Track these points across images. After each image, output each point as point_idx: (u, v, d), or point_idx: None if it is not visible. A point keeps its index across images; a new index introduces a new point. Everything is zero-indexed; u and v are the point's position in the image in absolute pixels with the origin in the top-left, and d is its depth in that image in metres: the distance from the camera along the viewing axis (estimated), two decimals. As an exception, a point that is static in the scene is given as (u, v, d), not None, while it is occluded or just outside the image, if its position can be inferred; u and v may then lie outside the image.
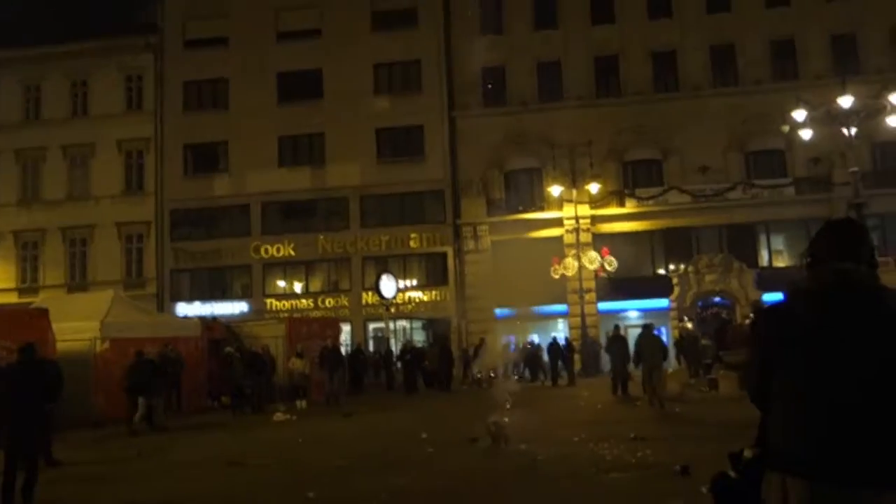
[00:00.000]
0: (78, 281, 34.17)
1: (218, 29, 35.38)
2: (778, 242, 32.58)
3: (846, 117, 21.95)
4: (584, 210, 31.05)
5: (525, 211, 32.51)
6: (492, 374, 24.02)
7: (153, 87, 35.24)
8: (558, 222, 31.69)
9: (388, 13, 34.82)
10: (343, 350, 25.42)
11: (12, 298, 32.37)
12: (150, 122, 35.01)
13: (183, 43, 35.53)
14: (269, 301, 33.98)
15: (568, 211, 30.87)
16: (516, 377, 26.29)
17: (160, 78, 35.26)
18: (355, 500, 7.83)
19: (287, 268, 34.74)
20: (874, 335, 2.51)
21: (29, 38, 34.59)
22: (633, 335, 22.33)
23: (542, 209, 32.18)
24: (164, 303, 33.46)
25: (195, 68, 35.07)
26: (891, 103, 21.41)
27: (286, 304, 33.87)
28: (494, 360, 26.34)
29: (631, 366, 19.06)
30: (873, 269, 2.70)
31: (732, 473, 2.75)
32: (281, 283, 34.82)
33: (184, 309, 33.28)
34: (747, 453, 2.76)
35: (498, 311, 32.30)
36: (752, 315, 8.69)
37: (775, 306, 2.84)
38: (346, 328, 30.89)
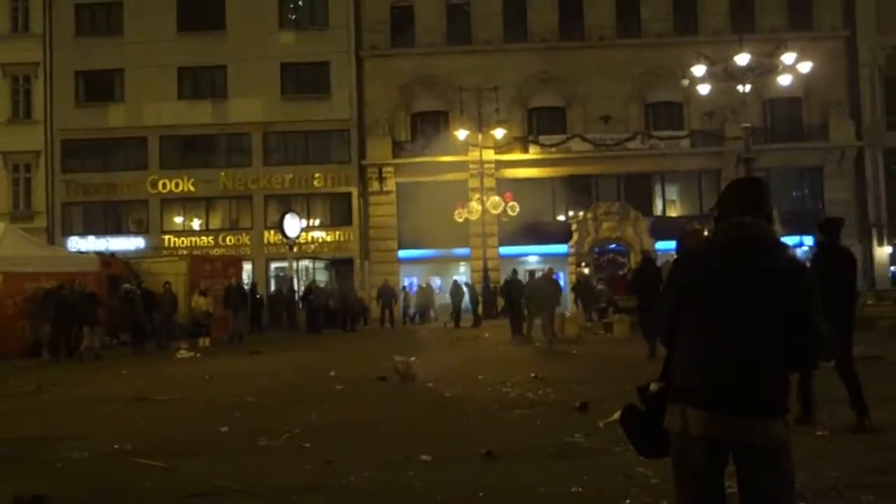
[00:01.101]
0: (-40, 212, 32.32)
1: (113, -52, 33.42)
2: (672, 193, 34.03)
3: (742, 74, 23.02)
4: (489, 155, 31.48)
5: (431, 154, 32.63)
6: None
7: (42, 7, 33.10)
8: (463, 166, 32.01)
9: (295, -57, 33.74)
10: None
11: None
12: (39, 47, 33.02)
13: (74, -38, 33.42)
14: (167, 237, 33.14)
15: (473, 155, 31.19)
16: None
17: (49, -1, 33.16)
18: (268, 433, 8.00)
19: (186, 204, 33.88)
20: (768, 284, 2.90)
21: None
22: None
23: (447, 153, 32.36)
24: (55, 237, 32.12)
25: (88, -10, 33.15)
26: (783, 63, 22.59)
27: (185, 240, 33.12)
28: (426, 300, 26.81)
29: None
30: (771, 223, 3.10)
31: (640, 406, 3.12)
32: (179, 220, 33.96)
33: (76, 243, 32.07)
34: (653, 387, 3.13)
35: (401, 253, 32.62)
36: (640, 262, 9.28)
37: (687, 254, 3.20)
38: (247, 267, 30.58)
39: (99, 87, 33.74)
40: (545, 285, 18.79)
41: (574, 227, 31.77)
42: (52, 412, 10.21)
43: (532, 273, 19.13)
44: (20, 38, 33.13)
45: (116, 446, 7.61)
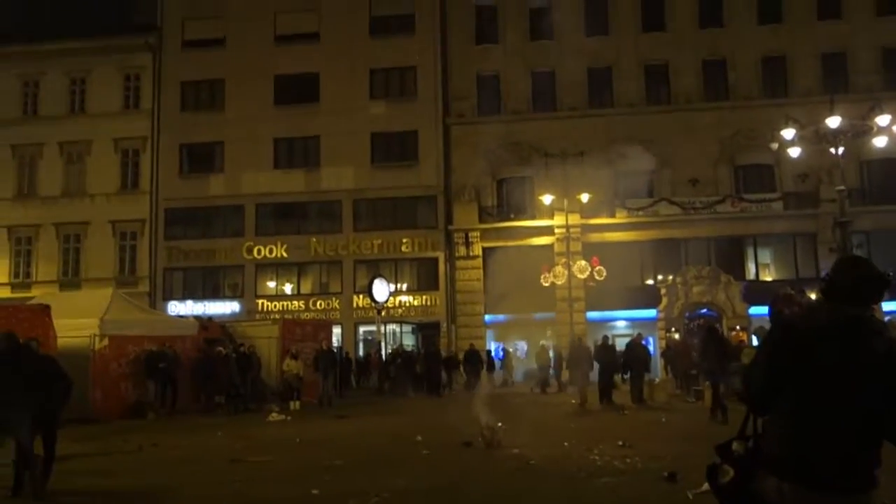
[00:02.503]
0: (71, 277, 34.40)
1: (216, 30, 35.69)
2: (765, 256, 33.13)
3: (834, 137, 22.50)
4: (575, 219, 31.46)
5: (516, 219, 32.95)
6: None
7: (151, 86, 35.48)
8: (549, 231, 32.13)
9: (385, 19, 35.24)
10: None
11: (5, 293, 32.57)
12: (147, 121, 35.25)
13: (181, 43, 35.83)
14: (260, 301, 34.24)
15: (559, 220, 31.27)
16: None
17: (158, 77, 35.53)
18: (357, 496, 8.16)
19: (279, 269, 35.02)
20: (883, 370, 2.96)
21: (29, 34, 34.86)
22: (620, 345, 22.79)
23: (533, 217, 32.60)
24: (156, 301, 33.66)
25: (193, 68, 35.36)
26: (877, 124, 21.97)
27: (277, 304, 34.13)
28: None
29: (618, 376, 19.58)
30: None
31: (726, 467, 3.16)
32: (272, 284, 35.08)
33: (175, 307, 33.52)
34: (737, 447, 3.17)
35: (487, 317, 32.69)
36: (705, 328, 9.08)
37: (801, 330, 3.17)
38: (336, 330, 31.24)
39: (201, 158, 35.60)
40: (635, 350, 18.50)
41: (663, 291, 31.24)
42: (151, 470, 10.65)
43: (637, 336, 19.18)
44: (131, 114, 35.45)
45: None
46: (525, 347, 31.45)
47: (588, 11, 34.27)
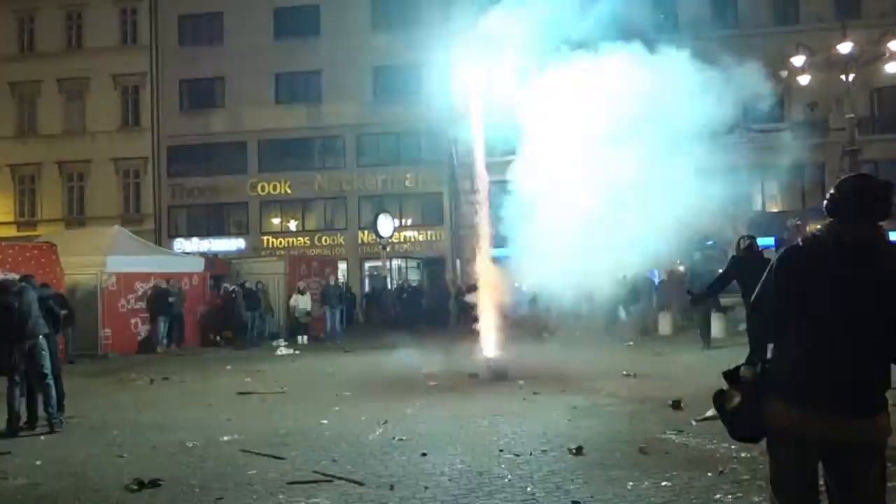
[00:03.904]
0: (76, 216, 34.41)
1: (213, -38, 34.81)
2: (772, 187, 32.87)
3: (845, 64, 22.13)
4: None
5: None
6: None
7: (148, 20, 34.80)
8: (554, 164, 31.82)
9: (387, -53, 34.29)
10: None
11: (11, 232, 32.60)
12: (146, 57, 34.70)
13: (178, -25, 34.99)
14: (265, 238, 34.26)
15: (564, 153, 30.92)
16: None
17: (155, 11, 34.81)
18: (365, 427, 8.29)
19: (283, 205, 34.93)
20: (888, 288, 2.91)
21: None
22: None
23: (538, 151, 32.26)
24: (161, 238, 33.66)
25: (190, 1, 34.63)
26: (890, 50, 21.56)
27: (282, 241, 34.15)
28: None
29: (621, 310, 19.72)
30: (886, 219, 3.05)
31: (733, 392, 3.16)
32: (277, 221, 35.06)
33: (181, 245, 33.57)
34: (745, 372, 3.17)
35: (494, 252, 32.66)
36: (744, 249, 9.04)
37: (802, 253, 3.12)
38: (341, 266, 31.33)
39: (201, 94, 35.16)
40: (638, 283, 18.54)
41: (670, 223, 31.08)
42: (165, 404, 10.82)
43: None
44: (129, 49, 34.86)
45: (225, 438, 8.05)
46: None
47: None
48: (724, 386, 3.22)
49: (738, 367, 3.21)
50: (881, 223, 3.03)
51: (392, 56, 33.52)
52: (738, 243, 9.81)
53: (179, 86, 34.94)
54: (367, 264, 33.70)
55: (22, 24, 35.53)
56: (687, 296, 23.30)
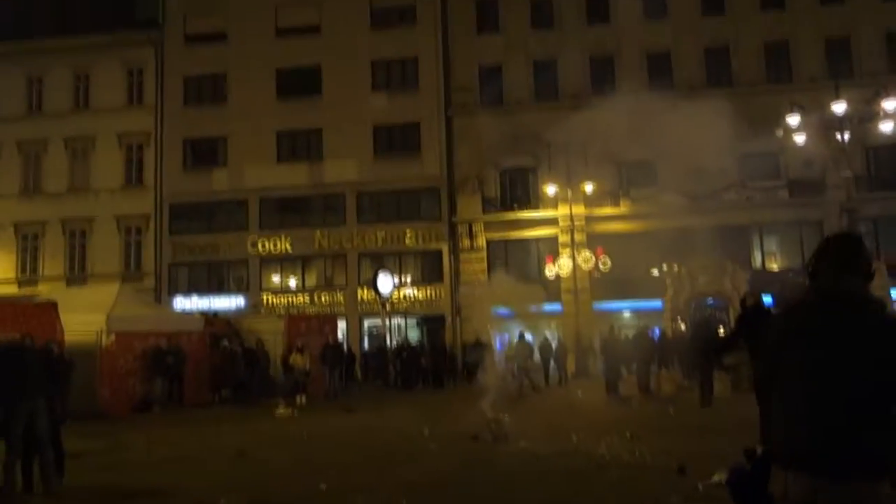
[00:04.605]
0: (77, 273, 34.46)
1: (218, 24, 35.60)
2: (771, 244, 33.02)
3: (839, 122, 22.38)
4: (579, 209, 31.39)
5: (520, 209, 32.88)
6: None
7: (154, 81, 35.41)
8: (553, 221, 32.05)
9: (386, 10, 35.11)
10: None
11: (12, 290, 32.65)
12: (151, 116, 35.21)
13: (183, 38, 35.73)
14: (265, 296, 34.23)
15: (563, 210, 31.20)
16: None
17: (161, 72, 35.46)
18: (366, 491, 8.16)
19: (283, 263, 34.99)
20: (860, 346, 2.88)
21: (33, 30, 34.91)
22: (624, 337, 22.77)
23: (537, 208, 32.53)
24: (162, 296, 33.68)
25: (195, 63, 35.31)
26: (884, 109, 21.83)
27: (282, 298, 34.13)
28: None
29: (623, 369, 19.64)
30: (868, 281, 3.06)
31: (748, 468, 3.14)
32: (277, 278, 35.07)
33: (181, 302, 33.58)
34: (759, 449, 3.15)
35: (492, 309, 32.62)
36: (751, 307, 9.03)
37: (780, 312, 3.18)
38: (341, 324, 31.25)
39: (204, 153, 35.55)
40: (640, 341, 18.53)
41: (668, 281, 31.16)
42: (160, 466, 10.67)
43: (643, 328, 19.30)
44: (134, 109, 35.41)
45: (223, 502, 7.92)
46: (532, 339, 31.41)
47: (588, 0, 34.11)
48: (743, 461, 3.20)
49: (755, 447, 3.19)
50: (864, 280, 3.04)
51: (391, 115, 34.07)
52: (744, 302, 9.78)
53: (183, 145, 35.37)
54: (367, 322, 33.63)
55: (31, 83, 36.14)
56: (688, 353, 23.28)
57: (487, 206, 33.37)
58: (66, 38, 34.87)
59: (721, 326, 28.35)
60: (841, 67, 31.13)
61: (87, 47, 35.13)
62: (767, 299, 24.17)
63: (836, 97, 21.95)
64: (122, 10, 35.93)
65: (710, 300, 31.36)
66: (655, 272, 32.19)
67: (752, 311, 9.35)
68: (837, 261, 3.05)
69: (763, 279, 28.85)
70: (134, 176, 35.48)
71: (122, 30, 35.45)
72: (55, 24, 35.08)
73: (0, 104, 36.01)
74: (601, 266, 29.96)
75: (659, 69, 33.69)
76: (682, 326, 28.00)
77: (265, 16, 35.24)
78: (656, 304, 31.16)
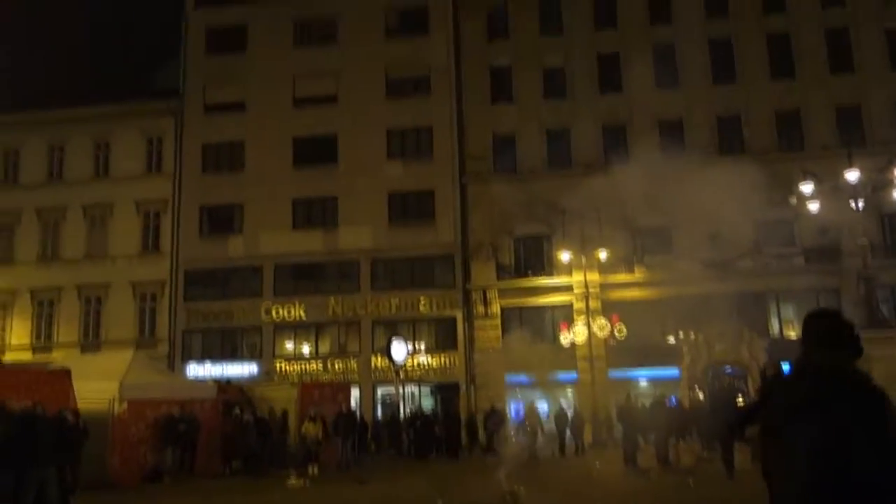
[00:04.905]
0: (91, 339, 34.49)
1: (237, 94, 36.39)
2: (788, 312, 32.67)
3: (853, 190, 22.40)
4: (594, 276, 31.32)
5: (534, 276, 32.85)
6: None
7: (173, 149, 36.05)
8: (568, 288, 31.96)
9: (402, 81, 35.81)
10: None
11: (26, 356, 32.71)
12: (169, 184, 35.71)
13: (203, 107, 36.51)
14: (278, 363, 34.07)
15: (577, 277, 31.14)
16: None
17: (180, 140, 36.13)
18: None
19: (297, 330, 34.92)
20: (838, 427, 2.77)
21: (55, 100, 35.78)
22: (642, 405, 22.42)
23: (551, 275, 32.49)
24: (175, 362, 33.61)
25: (214, 132, 35.99)
26: (897, 178, 21.85)
27: (295, 365, 33.96)
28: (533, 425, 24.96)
29: (641, 439, 19.26)
30: (854, 354, 3.01)
31: None
32: (290, 345, 34.95)
33: (195, 369, 33.49)
34: None
35: (507, 377, 32.35)
36: (770, 380, 8.85)
37: (767, 389, 3.18)
38: (354, 392, 30.99)
39: (221, 219, 35.89)
40: (657, 411, 18.21)
41: (685, 349, 30.84)
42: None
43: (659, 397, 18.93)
44: (153, 176, 35.97)
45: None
46: (547, 408, 31.02)
47: (601, 71, 34.70)
48: None
49: None
50: (848, 354, 3.01)
51: (406, 182, 34.44)
52: (764, 373, 9.62)
53: (200, 211, 35.76)
54: (380, 389, 33.33)
55: (52, 151, 36.84)
56: (708, 425, 22.85)
57: (502, 272, 33.36)
58: (87, 108, 35.72)
59: (740, 396, 27.93)
60: (853, 135, 31.31)
61: (108, 116, 35.95)
62: (786, 368, 23.84)
63: (850, 165, 22.04)
64: (143, 79, 36.89)
65: (727, 368, 30.95)
66: (672, 339, 31.90)
67: (773, 381, 9.18)
68: (818, 337, 3.05)
69: (781, 348, 28.49)
70: (151, 242, 35.81)
71: (143, 99, 36.32)
72: (77, 93, 36.00)
73: (21, 172, 36.80)
74: (616, 334, 29.73)
75: (671, 137, 33.97)
76: (700, 395, 27.56)
77: (283, 86, 36.02)
78: (673, 371, 30.80)
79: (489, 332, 32.83)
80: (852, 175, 21.71)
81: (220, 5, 37.60)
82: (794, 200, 24.34)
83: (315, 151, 35.31)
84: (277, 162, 35.18)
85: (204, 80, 36.63)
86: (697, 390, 28.34)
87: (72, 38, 40.13)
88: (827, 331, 3.05)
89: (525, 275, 33.15)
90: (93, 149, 36.51)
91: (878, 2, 33.63)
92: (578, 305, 31.10)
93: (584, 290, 30.68)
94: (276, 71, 36.01)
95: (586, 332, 29.59)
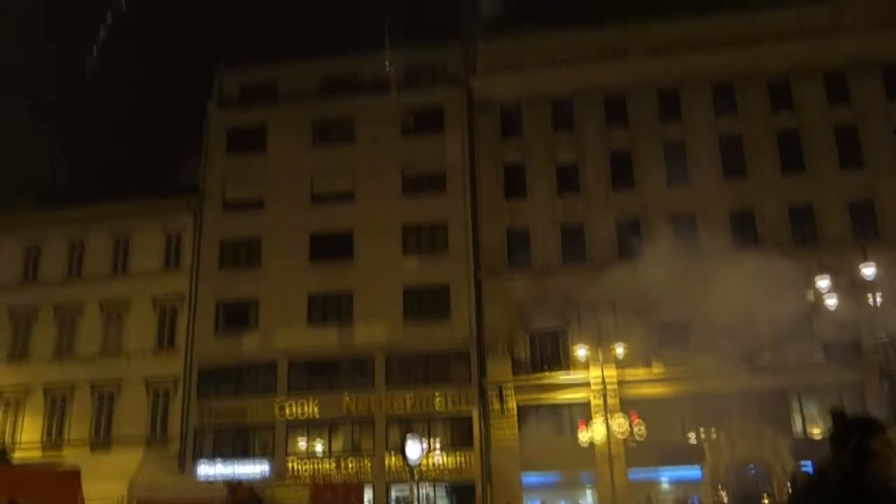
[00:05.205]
0: (102, 437, 34.04)
1: (255, 191, 37.13)
2: (811, 409, 31.96)
3: (870, 285, 22.28)
4: (611, 372, 30.89)
5: (551, 372, 32.47)
6: None
7: (191, 245, 36.51)
8: (585, 384, 31.53)
9: (417, 178, 36.47)
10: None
11: (36, 454, 32.30)
12: (186, 279, 35.98)
13: (222, 204, 37.18)
14: (290, 461, 33.41)
15: (594, 372, 30.74)
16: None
17: (198, 237, 36.63)
18: None
19: (310, 427, 34.38)
20: None
21: (77, 197, 36.62)
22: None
23: (567, 370, 32.11)
24: (186, 461, 33.02)
25: (231, 228, 36.55)
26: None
27: (307, 464, 33.28)
28: None
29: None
30: (861, 456, 2.98)
31: None
32: (303, 444, 34.35)
33: (206, 468, 32.85)
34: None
35: (524, 476, 31.58)
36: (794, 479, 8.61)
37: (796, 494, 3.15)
38: (367, 493, 30.29)
39: (236, 315, 35.91)
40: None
41: (707, 448, 30.06)
42: None
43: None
44: (171, 272, 36.29)
45: None
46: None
47: (613, 167, 35.21)
48: None
49: None
50: (855, 456, 2.98)
51: (421, 278, 34.59)
52: (794, 480, 9.32)
53: (216, 307, 35.88)
54: (395, 490, 32.51)
55: (72, 248, 37.33)
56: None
57: (518, 368, 33.02)
58: (109, 205, 36.46)
59: (765, 497, 27.10)
60: (867, 229, 31.45)
61: (128, 213, 36.66)
62: (809, 468, 23.15)
63: (864, 259, 22.00)
64: (163, 176, 37.79)
65: (751, 468, 30.08)
66: (693, 438, 31.18)
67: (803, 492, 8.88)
68: (831, 438, 3.19)
69: (804, 447, 27.77)
70: (166, 338, 35.81)
71: (164, 196, 37.11)
72: (99, 191, 36.86)
73: (41, 268, 37.24)
74: (636, 432, 29.09)
75: (685, 232, 34.11)
76: (725, 497, 26.73)
77: (301, 183, 36.74)
78: (695, 472, 29.98)
79: (505, 430, 32.23)
80: (868, 270, 21.63)
81: (242, 106, 38.84)
82: (811, 296, 24.21)
83: (331, 247, 35.67)
84: (294, 257, 35.53)
85: (224, 177, 37.45)
86: (721, 491, 27.50)
87: (94, 137, 41.44)
88: (835, 432, 3.14)
89: (541, 370, 32.79)
90: (112, 245, 37.01)
91: (884, 99, 34.24)
92: (596, 402, 30.56)
93: (601, 386, 30.19)
94: (294, 168, 36.82)
95: (604, 430, 28.98)
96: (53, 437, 34.68)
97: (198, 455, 33.94)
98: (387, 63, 37.18)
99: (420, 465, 28.82)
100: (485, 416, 32.66)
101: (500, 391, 32.47)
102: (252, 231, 36.46)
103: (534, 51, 37.12)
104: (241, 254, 37.04)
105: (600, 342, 30.29)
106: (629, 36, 36.50)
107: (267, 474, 32.45)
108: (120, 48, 40.99)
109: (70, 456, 27.11)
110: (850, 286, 23.23)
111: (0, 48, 36.49)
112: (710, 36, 35.84)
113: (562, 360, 32.79)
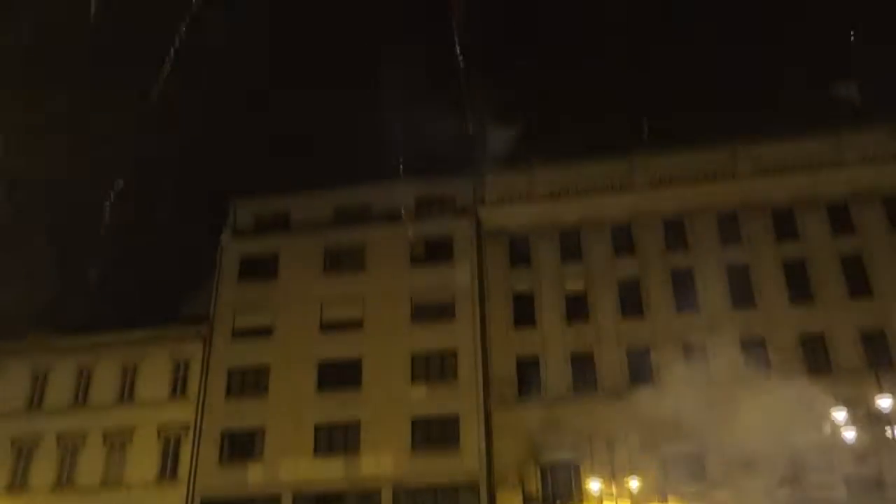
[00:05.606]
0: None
1: (265, 319, 37.22)
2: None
3: (887, 416, 21.82)
4: (625, 506, 29.93)
5: (563, 508, 31.44)
6: None
7: (199, 373, 36.28)
8: (600, 522, 30.41)
9: (426, 306, 36.54)
10: None
11: None
12: (192, 408, 35.54)
13: (231, 332, 37.20)
14: None
15: (609, 507, 29.74)
16: None
17: (206, 365, 36.44)
18: None
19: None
20: None
21: (86, 326, 36.75)
22: None
23: (581, 504, 31.10)
24: None
25: (240, 356, 36.46)
26: (932, 404, 21.32)
27: None
28: None
29: None
30: None
31: None
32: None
33: None
34: None
35: None
36: None
37: None
38: None
39: (241, 445, 35.13)
40: None
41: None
42: None
43: None
44: (177, 401, 35.85)
45: None
46: None
47: (622, 296, 35.32)
48: None
49: None
50: None
51: (430, 407, 34.08)
52: None
53: (221, 437, 35.21)
54: None
55: (80, 375, 37.07)
56: None
57: (529, 502, 31.96)
58: (119, 333, 36.61)
59: None
60: (880, 358, 31.16)
61: (138, 341, 36.74)
62: None
63: (879, 389, 21.65)
64: (174, 304, 38.07)
65: None
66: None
67: None
68: None
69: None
70: (169, 468, 34.98)
71: (173, 324, 37.22)
72: (109, 319, 37.06)
73: (47, 396, 36.84)
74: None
75: (697, 361, 33.83)
76: None
77: (311, 310, 36.88)
78: None
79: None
80: (885, 402, 21.25)
81: (255, 234, 39.58)
82: (828, 429, 23.72)
83: (339, 375, 35.41)
84: (301, 386, 35.21)
85: (234, 305, 37.68)
86: None
87: (106, 264, 42.00)
88: None
89: (553, 504, 31.71)
90: (120, 373, 36.77)
91: (888, 228, 34.66)
92: (612, 539, 29.41)
93: (616, 522, 29.17)
94: (305, 296, 37.09)
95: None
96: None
97: None
98: (398, 194, 38.14)
99: None
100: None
101: (512, 528, 31.31)
102: (260, 358, 36.32)
103: (541, 182, 38.13)
104: (249, 381, 36.70)
105: (614, 475, 29.53)
106: (634, 168, 37.53)
107: None
108: (134, 185, 42.22)
109: None
110: (867, 417, 22.79)
111: (24, 181, 37.54)
112: (713, 168, 36.85)
113: (574, 494, 31.79)
